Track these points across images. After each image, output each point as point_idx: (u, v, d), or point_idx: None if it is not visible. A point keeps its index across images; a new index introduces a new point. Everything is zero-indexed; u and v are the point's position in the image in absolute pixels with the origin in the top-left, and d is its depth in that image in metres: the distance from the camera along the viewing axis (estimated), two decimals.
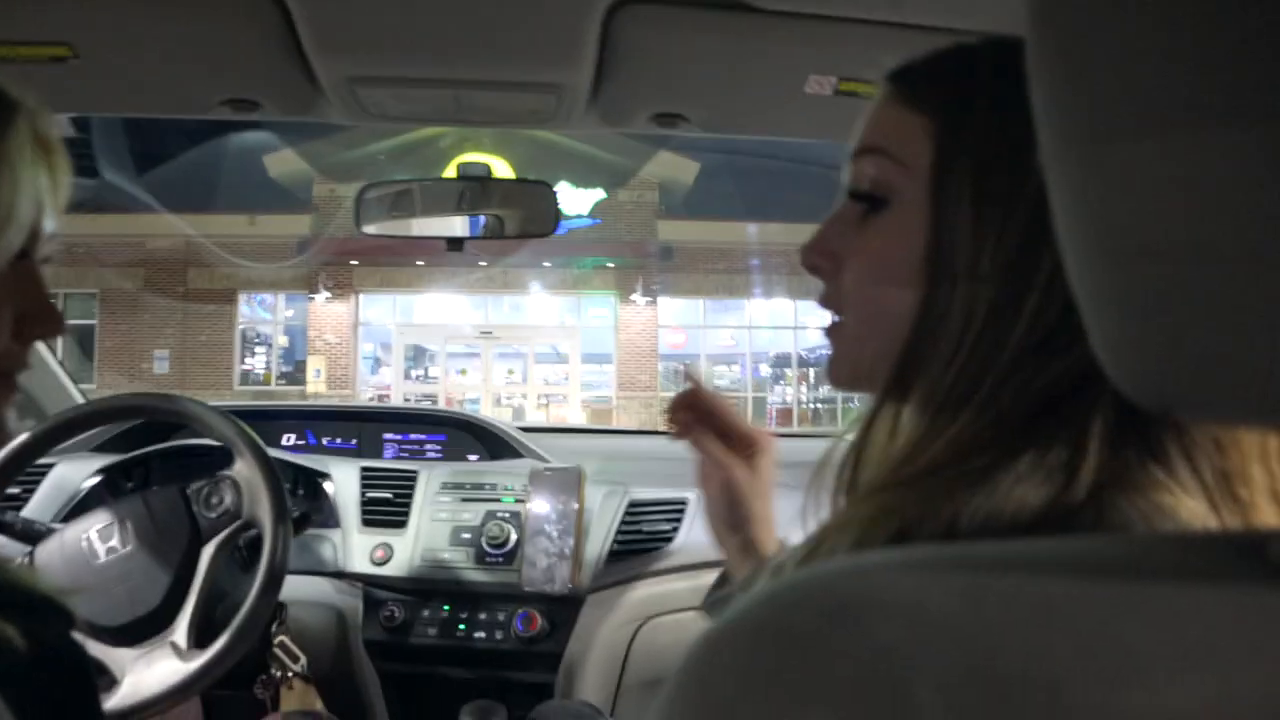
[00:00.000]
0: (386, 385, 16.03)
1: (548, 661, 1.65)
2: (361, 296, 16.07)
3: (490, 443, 2.10)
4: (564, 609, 1.67)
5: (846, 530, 0.49)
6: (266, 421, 2.12)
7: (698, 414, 0.88)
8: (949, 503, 0.45)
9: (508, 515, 1.72)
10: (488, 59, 1.10)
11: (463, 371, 16.42)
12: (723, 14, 1.02)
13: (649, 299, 15.98)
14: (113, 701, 1.24)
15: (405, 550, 1.72)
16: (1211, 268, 0.27)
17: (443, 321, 16.31)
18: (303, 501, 1.78)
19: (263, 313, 16.47)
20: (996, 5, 0.88)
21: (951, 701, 0.26)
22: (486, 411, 12.26)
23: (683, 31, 1.04)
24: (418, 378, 16.38)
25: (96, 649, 1.29)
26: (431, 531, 1.73)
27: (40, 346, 1.94)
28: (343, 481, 1.81)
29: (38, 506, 1.69)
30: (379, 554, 1.71)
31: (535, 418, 15.28)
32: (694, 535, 1.71)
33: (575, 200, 14.98)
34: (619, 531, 1.72)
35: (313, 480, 1.81)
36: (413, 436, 2.19)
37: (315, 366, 15.72)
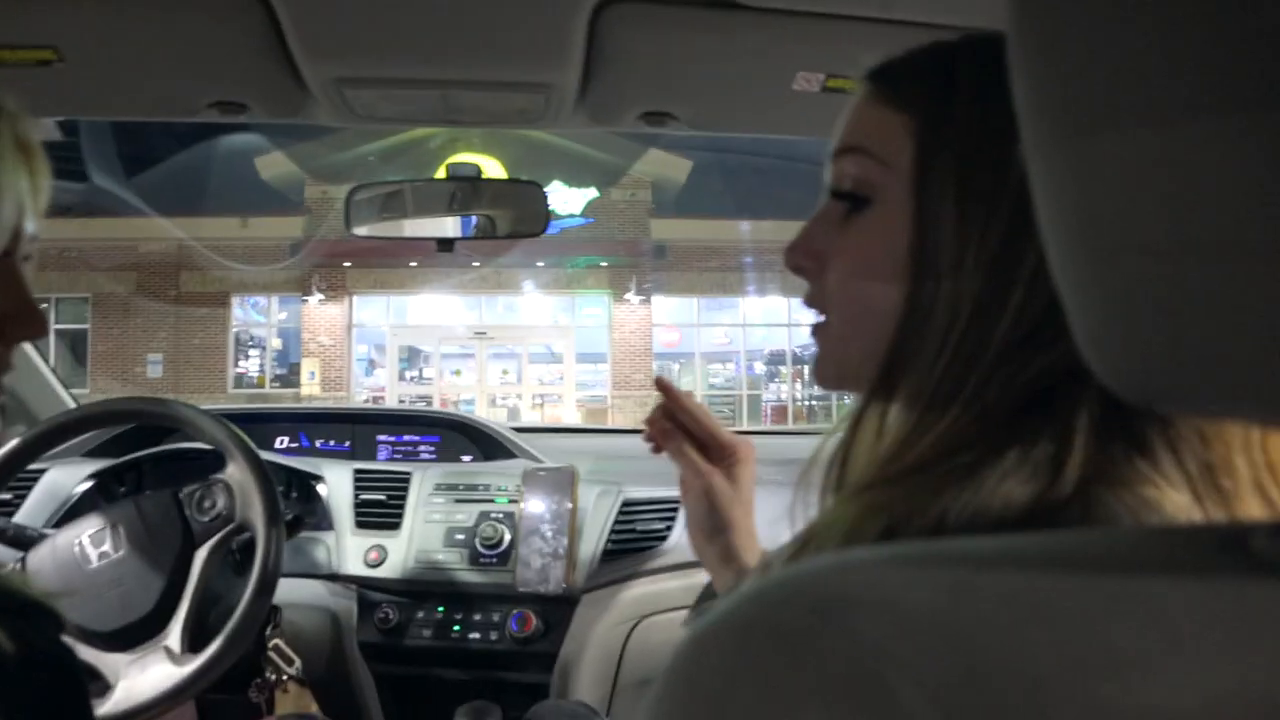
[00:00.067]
0: (381, 387, 16.01)
1: (543, 662, 1.65)
2: (355, 298, 16.05)
3: (484, 443, 2.10)
4: (558, 609, 1.67)
5: (834, 528, 0.49)
6: (259, 424, 2.11)
7: (676, 423, 0.88)
8: (936, 500, 0.46)
9: (501, 516, 1.72)
10: (475, 59, 1.10)
11: (457, 372, 16.40)
12: (710, 12, 1.02)
13: (643, 298, 15.98)
14: (106, 707, 1.24)
15: (399, 552, 1.71)
16: (1195, 261, 0.27)
17: (437, 322, 16.29)
18: (296, 504, 1.78)
19: (256, 315, 16.43)
20: (984, 1, 0.88)
21: (936, 697, 0.26)
22: (481, 412, 12.27)
23: (670, 30, 1.04)
24: (412, 379, 16.36)
25: (89, 654, 1.28)
26: (425, 533, 1.73)
27: (31, 352, 1.94)
28: (336, 484, 1.81)
29: (29, 512, 1.68)
30: (373, 556, 1.71)
31: (530, 418, 15.29)
32: (688, 534, 1.70)
33: (568, 199, 14.98)
34: (613, 531, 1.72)
35: (306, 483, 1.81)
36: (406, 438, 2.19)
37: (309, 369, 15.69)
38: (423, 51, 1.09)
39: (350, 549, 1.73)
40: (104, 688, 1.27)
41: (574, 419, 15.33)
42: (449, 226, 1.49)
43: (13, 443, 1.43)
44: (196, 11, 1.02)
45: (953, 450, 0.48)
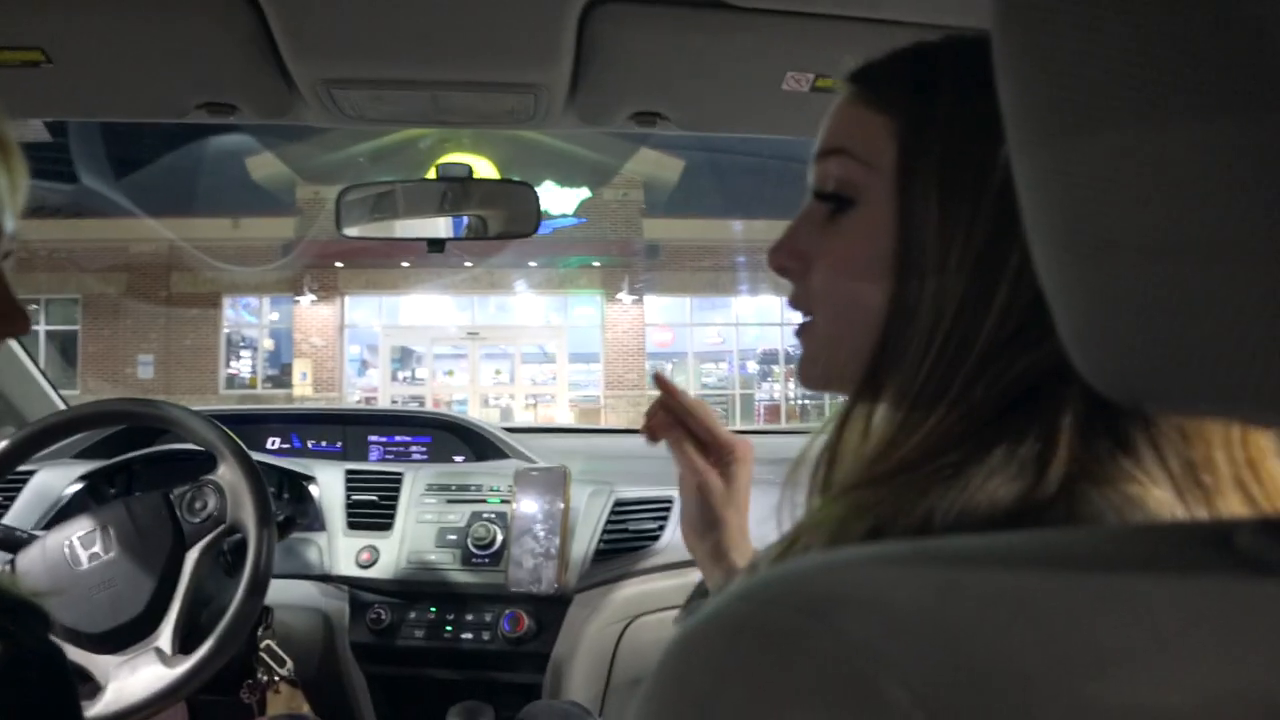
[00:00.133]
0: (373, 387, 15.99)
1: (535, 662, 1.65)
2: (347, 299, 16.02)
3: (476, 444, 2.09)
4: (551, 609, 1.66)
5: (821, 528, 0.49)
6: (251, 425, 2.11)
7: (675, 417, 0.88)
8: (923, 499, 0.46)
9: (494, 516, 1.72)
10: (465, 60, 1.10)
11: (449, 373, 16.38)
12: (700, 12, 1.02)
13: (635, 297, 15.98)
14: (97, 709, 1.23)
15: (391, 552, 1.71)
16: (1179, 261, 0.27)
17: (429, 323, 16.27)
18: (287, 505, 1.77)
19: (247, 316, 16.39)
20: (971, 1, 0.88)
21: (924, 695, 0.26)
22: (474, 412, 12.23)
23: (660, 30, 1.04)
24: (404, 379, 16.33)
25: (80, 656, 1.28)
26: (417, 533, 1.73)
27: (21, 353, 1.93)
28: (328, 484, 1.80)
29: (19, 514, 1.68)
30: (365, 556, 1.70)
31: (523, 418, 15.27)
32: (680, 534, 1.70)
33: (560, 199, 14.96)
34: (605, 531, 1.72)
35: (298, 483, 1.81)
36: (398, 439, 2.18)
37: (301, 369, 15.65)
38: (412, 52, 1.09)
39: (342, 550, 1.72)
40: (95, 689, 1.27)
41: (567, 419, 15.32)
42: (440, 227, 1.49)
43: (2, 444, 1.42)
44: (185, 13, 1.01)
45: (939, 450, 0.48)
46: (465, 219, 1.50)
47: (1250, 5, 0.24)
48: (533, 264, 15.80)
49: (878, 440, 0.53)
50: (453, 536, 1.71)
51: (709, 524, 0.87)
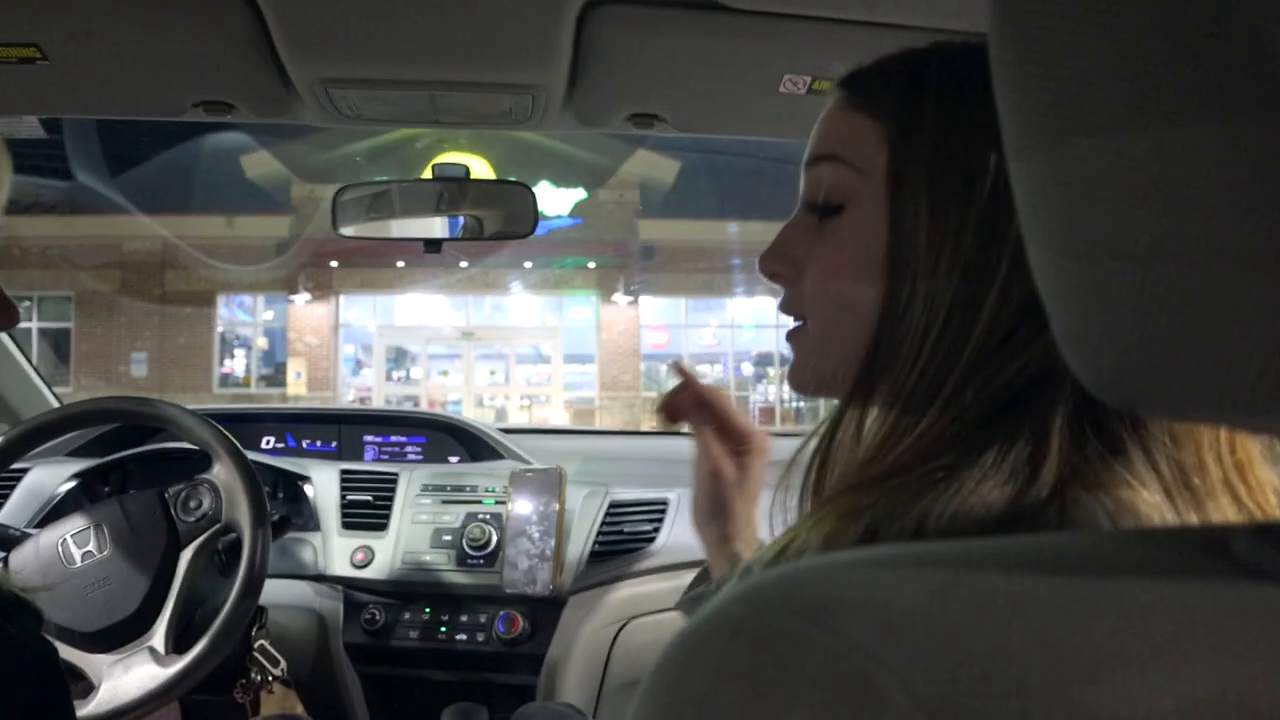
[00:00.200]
0: (368, 387, 15.96)
1: (530, 663, 1.65)
2: (342, 298, 15.99)
3: (471, 444, 2.09)
4: (545, 610, 1.66)
5: (814, 531, 0.49)
6: (245, 424, 2.10)
7: (695, 402, 0.88)
8: (916, 502, 0.46)
9: (489, 517, 1.72)
10: (462, 60, 1.10)
11: (444, 373, 16.36)
12: (697, 14, 1.02)
13: (631, 299, 15.98)
14: (90, 707, 1.23)
15: (386, 553, 1.71)
16: (1174, 265, 0.27)
17: (424, 323, 16.25)
18: (282, 505, 1.77)
19: (242, 315, 16.35)
20: (967, 4, 0.89)
21: (922, 697, 0.26)
22: (469, 413, 12.24)
23: (657, 32, 1.05)
24: (399, 379, 16.30)
25: (73, 655, 1.28)
26: (412, 534, 1.73)
27: (14, 349, 1.92)
28: (323, 484, 1.80)
29: (12, 512, 1.67)
30: (359, 557, 1.70)
31: (518, 419, 15.26)
32: (675, 536, 1.71)
33: (556, 200, 14.95)
34: (600, 532, 1.72)
35: (292, 483, 1.80)
36: (393, 439, 2.18)
37: (295, 369, 15.63)
38: (409, 52, 1.08)
39: (337, 550, 1.72)
40: (88, 688, 1.26)
41: (561, 420, 15.33)
42: (436, 227, 1.49)
43: None
44: (182, 11, 1.01)
45: (931, 453, 0.48)
46: (461, 219, 1.50)
47: (1246, 8, 0.24)
48: (528, 264, 15.80)
49: (870, 443, 0.53)
50: (448, 537, 1.71)
51: (718, 510, 0.87)
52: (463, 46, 1.07)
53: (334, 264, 15.41)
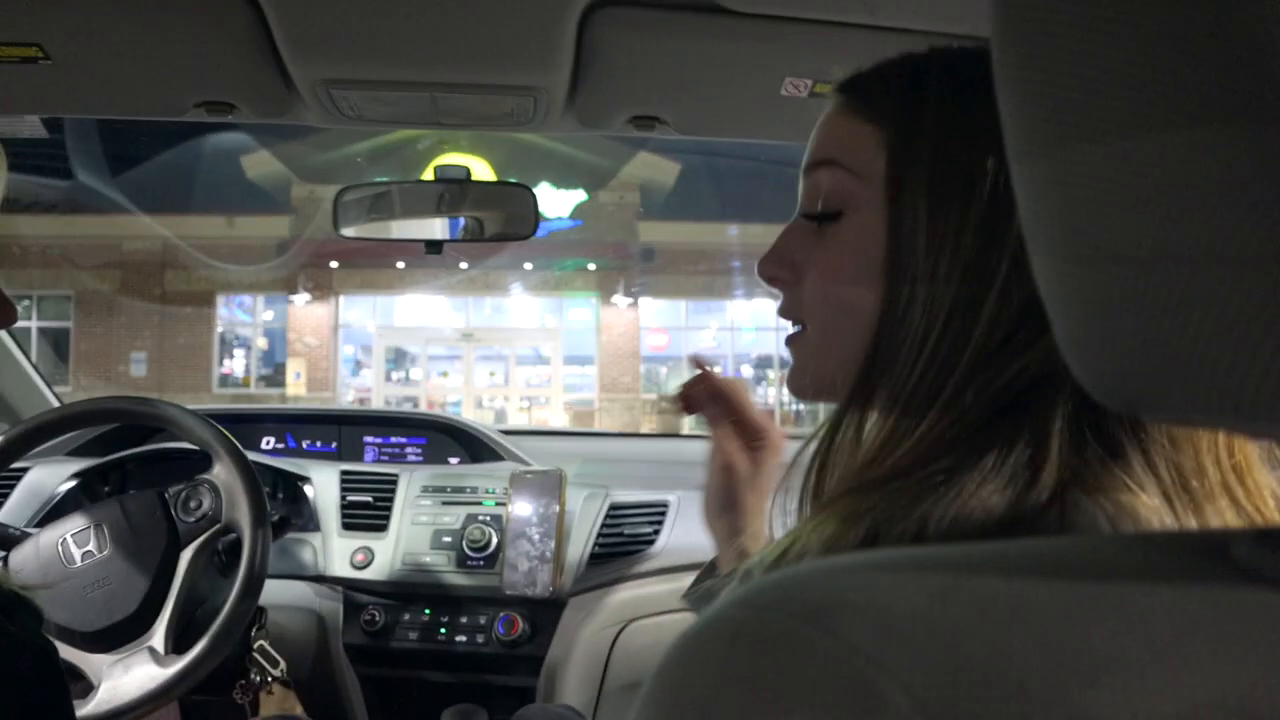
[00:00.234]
0: (367, 388, 15.95)
1: (529, 665, 1.65)
2: (341, 299, 15.98)
3: (471, 445, 2.09)
4: (545, 612, 1.66)
5: (815, 534, 0.49)
6: (245, 425, 2.11)
7: (711, 394, 0.88)
8: (916, 506, 0.46)
9: (488, 518, 1.72)
10: (464, 62, 1.10)
11: (444, 374, 16.35)
12: (699, 16, 1.02)
13: (631, 300, 15.98)
14: (89, 707, 1.23)
15: (386, 554, 1.71)
16: (1175, 269, 0.27)
17: (423, 324, 16.24)
18: (282, 505, 1.77)
19: (241, 315, 16.34)
20: (969, 9, 0.89)
21: (923, 700, 0.26)
22: (468, 414, 12.23)
23: (659, 34, 1.05)
24: (399, 380, 16.29)
25: (73, 654, 1.28)
26: (412, 535, 1.73)
27: (14, 349, 1.92)
28: (323, 485, 1.80)
29: (12, 511, 1.67)
30: (359, 558, 1.70)
31: (517, 420, 15.25)
32: (675, 538, 1.71)
33: (556, 202, 14.95)
34: (600, 534, 1.72)
35: (292, 484, 1.80)
36: (393, 440, 2.18)
37: (295, 369, 15.62)
38: (411, 54, 1.09)
39: (337, 550, 1.72)
40: (87, 688, 1.26)
41: (561, 421, 15.32)
42: (437, 228, 1.49)
43: None
44: (184, 11, 1.01)
45: (930, 456, 0.48)
46: (462, 220, 1.49)
47: (1249, 11, 0.24)
48: (528, 266, 15.80)
49: (869, 447, 0.53)
50: (448, 539, 1.71)
51: (729, 503, 0.87)
52: (464, 48, 1.07)
53: (334, 264, 15.41)
